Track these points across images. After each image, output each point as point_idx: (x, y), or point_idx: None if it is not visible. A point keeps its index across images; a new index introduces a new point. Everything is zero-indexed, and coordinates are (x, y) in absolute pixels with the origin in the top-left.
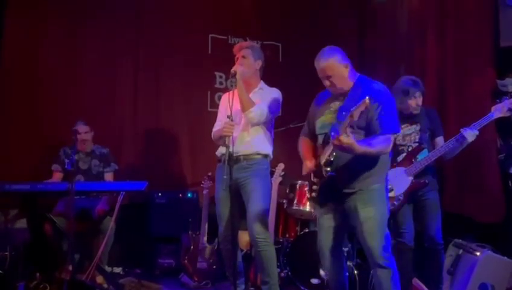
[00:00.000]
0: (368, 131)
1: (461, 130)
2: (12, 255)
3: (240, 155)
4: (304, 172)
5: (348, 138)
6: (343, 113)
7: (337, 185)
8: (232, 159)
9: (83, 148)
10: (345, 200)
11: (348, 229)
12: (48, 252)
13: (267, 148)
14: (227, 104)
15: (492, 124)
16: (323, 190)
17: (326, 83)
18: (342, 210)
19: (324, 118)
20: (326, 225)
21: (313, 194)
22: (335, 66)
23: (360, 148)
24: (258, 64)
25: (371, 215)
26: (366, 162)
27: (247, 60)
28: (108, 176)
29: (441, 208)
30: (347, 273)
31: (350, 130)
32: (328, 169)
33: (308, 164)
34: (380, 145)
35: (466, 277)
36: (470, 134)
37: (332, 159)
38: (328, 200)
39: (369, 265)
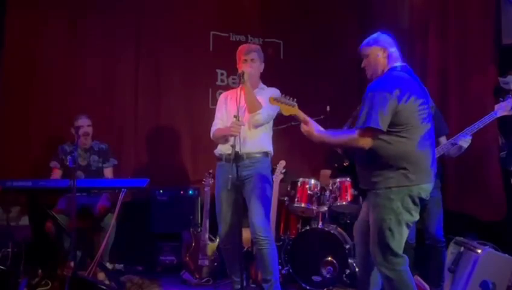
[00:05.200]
0: None
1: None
2: (14, 252)
3: (242, 154)
4: None
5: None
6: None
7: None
8: (238, 158)
9: (83, 143)
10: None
11: None
12: (50, 249)
13: (268, 146)
14: (226, 103)
15: (494, 121)
16: (356, 182)
17: (363, 64)
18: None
19: None
20: (360, 217)
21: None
22: (370, 48)
23: (317, 137)
24: (262, 66)
25: (372, 220)
26: (364, 160)
27: (256, 63)
28: (108, 172)
29: (442, 206)
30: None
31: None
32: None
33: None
34: (341, 136)
35: (467, 275)
36: (462, 141)
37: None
38: (364, 194)
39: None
